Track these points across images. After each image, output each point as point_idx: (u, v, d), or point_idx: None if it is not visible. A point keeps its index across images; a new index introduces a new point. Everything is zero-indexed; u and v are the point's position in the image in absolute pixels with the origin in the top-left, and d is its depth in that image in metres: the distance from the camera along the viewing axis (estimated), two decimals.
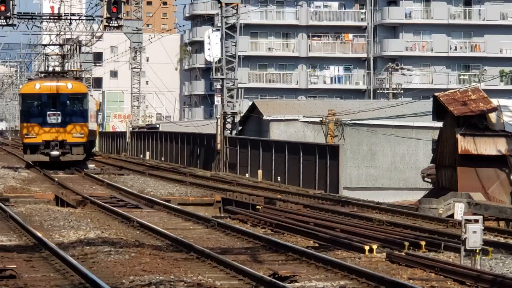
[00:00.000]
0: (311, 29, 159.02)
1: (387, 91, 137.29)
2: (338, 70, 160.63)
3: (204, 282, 26.74)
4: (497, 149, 53.30)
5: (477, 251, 29.82)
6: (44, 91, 65.93)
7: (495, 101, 56.85)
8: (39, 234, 35.89)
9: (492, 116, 54.78)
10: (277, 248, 34.37)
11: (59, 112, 65.61)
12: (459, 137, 53.61)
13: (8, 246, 34.32)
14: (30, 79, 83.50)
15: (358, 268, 29.19)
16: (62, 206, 49.16)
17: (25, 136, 66.65)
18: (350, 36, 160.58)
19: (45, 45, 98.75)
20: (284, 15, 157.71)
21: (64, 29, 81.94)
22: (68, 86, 67.20)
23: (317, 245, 35.48)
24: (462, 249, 30.08)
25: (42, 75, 76.82)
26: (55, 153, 64.86)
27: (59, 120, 65.49)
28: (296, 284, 26.55)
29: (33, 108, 67.12)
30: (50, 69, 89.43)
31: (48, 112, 65.45)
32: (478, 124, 54.45)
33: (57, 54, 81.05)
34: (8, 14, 78.58)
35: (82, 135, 66.55)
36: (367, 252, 32.78)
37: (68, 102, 66.46)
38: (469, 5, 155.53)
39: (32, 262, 30.68)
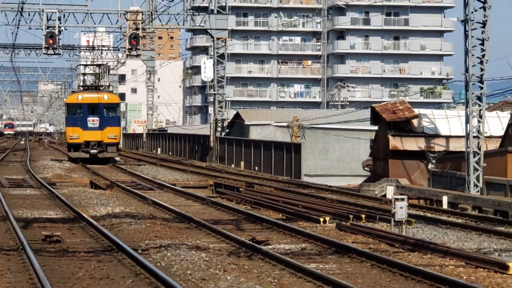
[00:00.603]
0: (280, 57, 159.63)
1: (336, 103, 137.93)
2: (300, 87, 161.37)
3: (200, 245, 26.78)
4: (418, 146, 53.36)
5: (403, 222, 29.90)
6: (85, 101, 65.83)
7: (416, 111, 57.01)
8: (78, 210, 35.91)
9: (415, 122, 54.89)
10: (255, 220, 34.52)
11: (97, 118, 65.03)
12: (390, 137, 53.68)
13: (55, 218, 34.34)
14: (73, 92, 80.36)
15: (315, 235, 29.32)
16: (95, 189, 49.14)
17: (70, 137, 66.38)
18: (309, 62, 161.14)
19: (85, 65, 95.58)
20: (260, 46, 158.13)
21: (97, 56, 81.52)
22: (104, 97, 66.88)
23: (284, 217, 35.56)
24: (392, 220, 30.16)
25: (82, 88, 75.58)
26: (94, 151, 64.13)
27: (98, 125, 64.81)
28: (269, 246, 26.55)
29: (77, 115, 66.50)
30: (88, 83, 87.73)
31: (89, 118, 64.82)
32: (404, 127, 54.54)
33: (92, 73, 79.58)
34: (55, 46, 78.54)
35: (116, 137, 66.43)
36: (321, 223, 32.89)
37: (104, 110, 65.94)
38: (397, 39, 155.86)
39: (73, 230, 30.71)
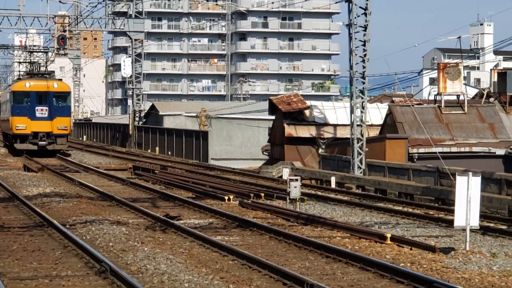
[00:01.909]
0: (190, 56, 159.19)
1: (239, 96, 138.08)
2: (208, 82, 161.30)
3: (121, 220, 26.77)
4: (309, 133, 53.57)
5: (297, 199, 30.01)
6: (34, 89, 57.75)
7: (308, 103, 57.22)
8: (13, 190, 35.54)
9: (307, 112, 55.11)
10: (168, 198, 34.50)
11: (47, 107, 57.22)
12: (285, 125, 53.83)
13: None
14: (19, 79, 68.66)
15: (220, 211, 29.40)
16: (28, 171, 48.46)
17: (16, 128, 57.36)
18: (215, 60, 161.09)
19: (20, 62, 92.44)
20: (173, 47, 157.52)
21: (29, 54, 79.04)
22: (54, 85, 58.85)
23: (194, 196, 35.39)
24: (287, 198, 30.26)
25: (28, 76, 65.29)
26: (43, 143, 56.66)
27: (47, 115, 57.11)
28: (181, 221, 26.56)
29: (24, 103, 58.07)
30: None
31: (37, 107, 57.11)
32: (298, 117, 54.72)
33: (27, 72, 74.48)
34: None
35: (66, 128, 58.75)
36: (226, 201, 32.93)
37: (54, 99, 58.02)
38: (291, 40, 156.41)
39: (8, 208, 30.43)
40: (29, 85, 57.63)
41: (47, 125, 56.41)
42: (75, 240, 21.77)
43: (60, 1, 77.05)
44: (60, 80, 66.98)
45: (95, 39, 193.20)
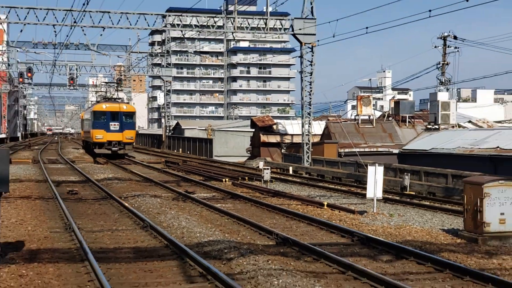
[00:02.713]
0: (201, 92, 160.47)
1: (232, 116, 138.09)
2: (213, 108, 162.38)
3: (157, 194, 26.63)
4: (276, 140, 53.50)
5: (268, 181, 30.02)
6: (109, 109, 53.17)
7: (275, 121, 57.26)
8: (87, 175, 35.43)
9: (274, 127, 55.07)
10: (187, 180, 34.24)
11: (118, 123, 52.57)
12: (261, 135, 53.79)
13: (74, 180, 33.71)
14: (98, 102, 63.31)
15: (220, 188, 29.36)
16: (97, 164, 48.02)
17: (96, 138, 52.72)
18: (217, 94, 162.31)
19: (97, 91, 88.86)
20: (190, 85, 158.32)
21: (106, 85, 77.42)
22: (124, 107, 54.34)
23: (203, 179, 34.84)
24: (262, 180, 30.24)
25: (103, 99, 61.56)
26: (115, 148, 52.13)
27: (118, 128, 52.55)
28: (195, 194, 26.46)
29: (101, 120, 52.86)
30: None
31: (111, 123, 52.45)
32: (268, 129, 54.69)
33: (103, 97, 69.77)
34: (74, 84, 77.61)
35: (132, 138, 54.07)
36: (223, 181, 32.78)
37: (123, 117, 53.06)
38: (265, 82, 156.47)
39: (85, 187, 30.24)
40: (106, 106, 53.48)
41: (118, 136, 52.17)
42: (127, 207, 21.84)
43: (118, 56, 76.90)
44: (128, 103, 63.41)
45: (141, 80, 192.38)
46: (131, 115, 53.86)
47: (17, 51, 71.92)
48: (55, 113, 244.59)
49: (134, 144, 61.79)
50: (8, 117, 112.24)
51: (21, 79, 71.10)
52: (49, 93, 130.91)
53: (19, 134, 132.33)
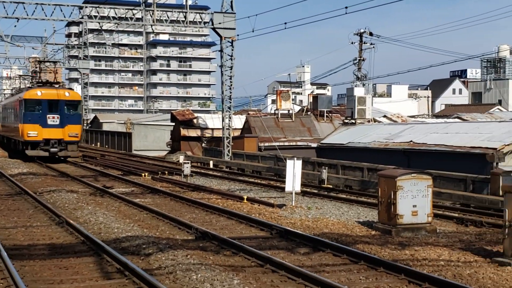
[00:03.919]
0: (120, 84, 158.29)
1: (152, 110, 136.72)
2: (132, 101, 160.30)
3: (73, 189, 26.23)
4: (196, 134, 53.33)
5: (188, 175, 29.95)
6: (46, 97, 40.10)
7: (196, 114, 57.16)
8: (1, 170, 34.50)
9: (195, 121, 54.83)
10: (105, 175, 33.77)
11: (58, 115, 40.01)
12: (181, 129, 53.49)
13: None
14: (29, 87, 47.71)
15: (138, 182, 29.22)
16: (11, 159, 46.42)
17: (28, 135, 40.11)
18: (137, 87, 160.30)
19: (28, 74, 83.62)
20: (108, 78, 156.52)
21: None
22: (66, 94, 41.28)
23: (122, 173, 34.49)
24: (182, 174, 30.15)
25: (38, 84, 46.69)
26: (54, 149, 40.02)
27: (58, 122, 40.12)
28: (113, 189, 26.14)
29: (35, 111, 40.28)
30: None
31: (49, 115, 39.81)
32: (189, 123, 54.47)
33: (37, 82, 59.37)
34: None
35: (77, 135, 41.23)
36: (143, 176, 32.52)
37: (65, 107, 40.37)
38: (185, 75, 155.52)
39: None
40: (41, 93, 40.32)
41: (58, 133, 40.10)
42: (42, 202, 21.45)
43: (33, 48, 75.04)
44: (71, 89, 50.30)
45: (56, 72, 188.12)
46: (75, 104, 41.35)
47: None
48: None
49: (80, 143, 48.00)
50: None
51: None
52: None
53: None
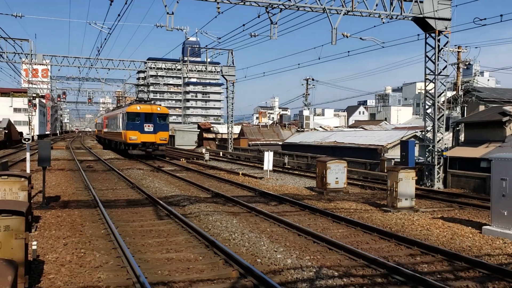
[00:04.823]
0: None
1: (185, 123, 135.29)
2: (175, 118, 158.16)
3: (140, 167, 25.87)
4: (212, 136, 52.86)
5: (207, 159, 29.66)
6: (143, 110, 33.44)
7: (212, 125, 56.50)
8: (99, 157, 34.04)
9: (211, 129, 54.28)
10: (159, 160, 33.03)
11: (152, 124, 33.08)
12: (204, 133, 53.00)
13: (91, 159, 32.23)
14: (130, 104, 38.67)
15: (178, 164, 28.61)
16: (106, 149, 45.57)
17: (130, 139, 32.63)
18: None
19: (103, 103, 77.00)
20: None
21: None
22: (158, 108, 34.10)
23: (169, 159, 33.55)
24: (204, 159, 29.79)
25: (136, 101, 38.35)
26: (149, 149, 32.76)
27: (152, 129, 33.05)
28: (164, 168, 25.87)
29: (135, 121, 33.21)
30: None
31: (145, 124, 32.95)
32: (208, 130, 53.93)
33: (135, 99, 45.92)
34: (91, 102, 73.74)
35: (165, 139, 33.67)
36: (181, 160, 32.02)
37: (157, 118, 33.49)
38: (208, 102, 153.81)
39: (97, 163, 29.03)
40: (140, 108, 33.57)
41: (152, 137, 32.95)
42: (122, 175, 21.09)
43: (117, 85, 73.53)
44: (160, 105, 37.68)
45: (149, 94, 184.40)
46: (164, 116, 34.50)
47: (56, 82, 68.47)
48: (79, 119, 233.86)
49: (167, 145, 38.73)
50: (51, 121, 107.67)
51: (58, 99, 67.98)
52: (76, 107, 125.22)
53: (57, 132, 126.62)
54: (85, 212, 12.55)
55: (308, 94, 53.31)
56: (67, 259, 8.16)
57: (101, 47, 28.46)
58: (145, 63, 42.04)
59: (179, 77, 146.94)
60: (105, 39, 24.59)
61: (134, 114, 33.21)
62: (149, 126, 33.17)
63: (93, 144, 59.14)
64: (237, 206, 13.76)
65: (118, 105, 56.99)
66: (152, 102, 38.18)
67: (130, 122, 33.10)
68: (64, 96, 68.78)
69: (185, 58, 40.16)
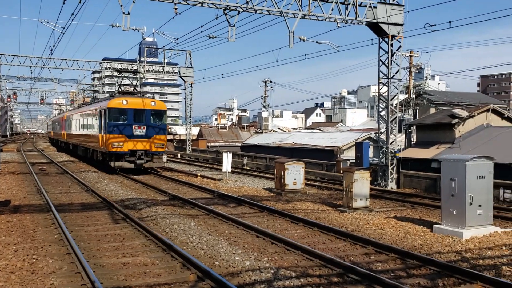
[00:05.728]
0: None
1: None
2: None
3: (95, 171, 24.91)
4: (171, 137, 51.88)
5: (165, 162, 28.93)
6: (132, 106, 22.14)
7: (170, 126, 55.39)
8: (52, 159, 32.78)
9: (169, 130, 53.22)
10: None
11: (144, 125, 22.24)
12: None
13: (44, 162, 30.96)
14: (112, 96, 23.85)
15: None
16: (59, 152, 43.90)
17: (112, 146, 21.76)
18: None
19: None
20: None
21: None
22: (152, 103, 22.69)
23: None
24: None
25: (120, 94, 24.40)
26: (140, 161, 22.19)
27: (144, 133, 22.24)
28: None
29: (120, 121, 22.06)
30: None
31: (134, 125, 22.02)
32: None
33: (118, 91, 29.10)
34: (44, 103, 70.86)
35: (163, 146, 22.80)
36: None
37: (152, 117, 22.49)
38: (166, 102, 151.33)
39: (50, 166, 27.96)
40: (127, 102, 22.30)
41: (144, 144, 22.46)
42: (77, 178, 20.42)
43: (71, 86, 70.96)
44: (154, 99, 25.86)
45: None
46: (161, 114, 23.08)
47: (6, 81, 65.40)
48: (31, 120, 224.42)
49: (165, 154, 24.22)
50: (1, 123, 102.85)
51: (8, 99, 64.99)
52: (27, 108, 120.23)
53: (7, 133, 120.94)
54: (38, 217, 12.05)
55: (267, 96, 53.74)
56: (17, 266, 7.87)
57: (54, 46, 27.39)
58: (100, 63, 40.93)
59: (136, 78, 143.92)
60: (58, 38, 23.60)
61: (119, 111, 22.18)
62: (140, 128, 22.36)
63: (46, 146, 56.88)
64: (195, 209, 13.62)
65: (95, 98, 44.06)
66: (144, 94, 26.27)
67: (112, 123, 22.03)
68: (14, 96, 65.80)
69: (142, 59, 39.35)
